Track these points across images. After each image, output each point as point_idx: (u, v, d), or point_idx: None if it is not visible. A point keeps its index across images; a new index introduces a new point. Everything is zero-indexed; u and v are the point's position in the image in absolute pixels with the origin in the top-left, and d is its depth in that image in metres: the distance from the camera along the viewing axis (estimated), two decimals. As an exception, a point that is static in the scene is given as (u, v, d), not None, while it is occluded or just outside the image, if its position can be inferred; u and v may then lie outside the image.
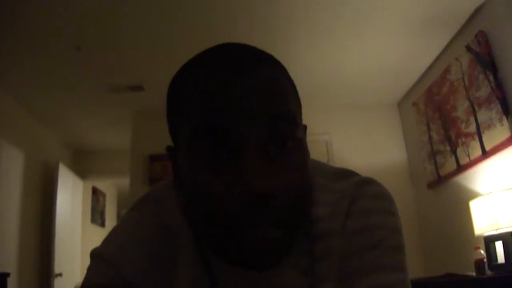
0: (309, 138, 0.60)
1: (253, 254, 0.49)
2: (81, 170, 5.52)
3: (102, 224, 6.43)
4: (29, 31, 3.08)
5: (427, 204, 4.08)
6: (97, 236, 5.94)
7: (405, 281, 0.55)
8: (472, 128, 3.15)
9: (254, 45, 0.57)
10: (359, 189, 0.60)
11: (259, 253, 0.48)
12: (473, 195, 3.10)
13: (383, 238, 0.56)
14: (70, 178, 5.10)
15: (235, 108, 0.49)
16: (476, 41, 3.05)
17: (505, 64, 2.82)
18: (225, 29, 3.21)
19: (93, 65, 3.62)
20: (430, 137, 3.88)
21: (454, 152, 3.44)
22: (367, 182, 0.61)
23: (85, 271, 0.60)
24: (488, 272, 2.62)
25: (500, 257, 2.67)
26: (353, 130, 4.50)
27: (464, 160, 3.29)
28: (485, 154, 2.99)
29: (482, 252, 2.69)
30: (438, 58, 3.73)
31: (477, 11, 3.06)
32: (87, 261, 0.60)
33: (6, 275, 3.23)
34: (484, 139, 3.01)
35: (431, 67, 3.87)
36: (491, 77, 2.91)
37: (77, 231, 5.28)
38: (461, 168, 3.34)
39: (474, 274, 2.66)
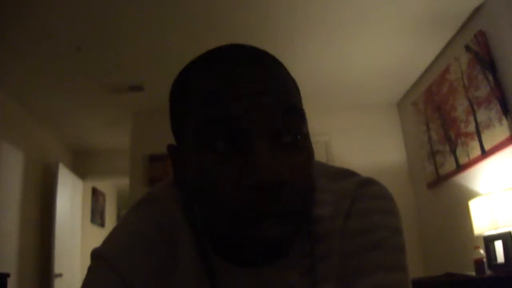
0: (308, 138, 0.60)
1: (262, 243, 0.48)
2: (81, 171, 5.52)
3: (102, 225, 6.43)
4: (29, 31, 3.08)
5: (426, 204, 4.08)
6: (97, 236, 5.94)
7: (406, 281, 0.55)
8: (472, 128, 3.15)
9: (254, 45, 0.57)
10: (359, 189, 0.60)
11: (268, 242, 0.48)
12: (473, 194, 3.11)
13: (384, 238, 0.56)
14: (70, 179, 5.09)
15: (247, 98, 0.49)
16: (475, 41, 3.05)
17: (504, 63, 2.82)
18: (225, 30, 3.21)
19: (93, 65, 3.62)
20: (429, 137, 3.88)
21: (453, 151, 3.44)
22: (368, 182, 0.62)
23: (85, 272, 0.60)
24: (488, 272, 2.62)
25: (500, 256, 2.67)
26: (352, 130, 4.50)
27: (463, 160, 3.29)
28: (485, 153, 3.00)
29: (482, 251, 2.69)
30: (437, 58, 3.73)
31: (476, 11, 3.07)
32: (87, 261, 0.60)
33: (6, 275, 3.23)
34: (483, 138, 3.01)
35: (430, 67, 3.87)
36: (490, 77, 2.91)
37: (77, 231, 5.28)
38: (460, 168, 3.34)
39: (473, 273, 2.66)
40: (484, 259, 2.65)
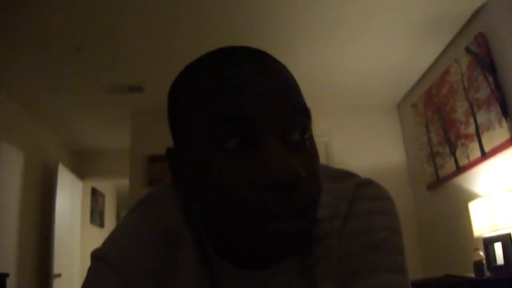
0: (309, 139, 0.60)
1: (278, 241, 0.48)
2: (80, 171, 5.52)
3: (101, 225, 6.43)
4: (29, 31, 3.08)
5: (426, 205, 4.08)
6: (96, 237, 5.94)
7: (406, 283, 0.55)
8: (471, 129, 3.15)
9: (254, 46, 0.57)
10: (358, 190, 0.60)
11: (284, 239, 0.48)
12: (472, 196, 3.11)
13: (383, 239, 0.56)
14: (70, 179, 5.09)
15: (259, 97, 0.49)
16: (476, 43, 3.06)
17: (504, 65, 2.83)
18: (225, 30, 3.21)
19: (93, 65, 3.63)
20: (429, 139, 3.88)
21: (453, 153, 3.44)
22: (367, 183, 0.62)
23: (84, 272, 0.60)
24: (487, 274, 2.62)
25: (499, 258, 2.67)
26: (352, 132, 4.50)
27: (463, 162, 3.29)
28: (484, 155, 3.00)
29: (481, 253, 2.69)
30: (437, 60, 3.73)
31: (477, 13, 3.07)
32: (87, 262, 0.60)
33: (5, 275, 3.22)
34: (483, 140, 3.01)
35: (430, 68, 3.88)
36: (490, 79, 2.91)
37: (76, 231, 5.28)
38: (460, 169, 3.34)
39: (473, 275, 2.66)
40: (484, 261, 2.64)
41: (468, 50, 3.16)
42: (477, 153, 3.08)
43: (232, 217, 0.49)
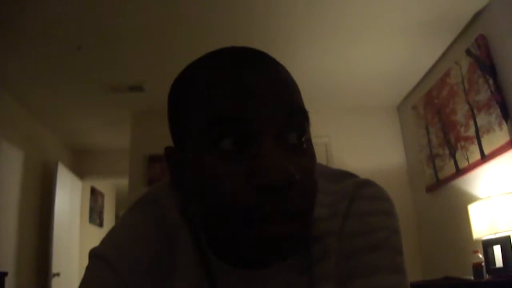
0: (308, 140, 0.60)
1: (272, 244, 0.48)
2: (80, 170, 5.52)
3: (101, 224, 6.43)
4: (30, 31, 3.08)
5: (425, 207, 4.08)
6: (95, 236, 5.94)
7: (405, 283, 0.55)
8: (471, 132, 3.15)
9: (254, 47, 0.57)
10: (357, 190, 0.60)
11: (278, 243, 0.48)
12: (472, 199, 3.11)
13: (382, 239, 0.56)
14: (69, 178, 5.09)
15: (255, 97, 0.49)
16: (476, 45, 3.06)
17: (505, 68, 2.83)
18: (225, 30, 3.21)
19: (93, 65, 3.63)
20: (429, 141, 3.88)
21: (453, 155, 3.44)
22: (366, 184, 0.61)
23: (82, 271, 0.60)
24: (486, 276, 2.62)
25: (498, 261, 2.67)
26: (352, 133, 4.50)
27: (463, 164, 3.29)
28: (484, 158, 3.00)
29: (480, 256, 2.68)
30: (438, 62, 3.73)
31: (477, 15, 3.07)
32: (85, 261, 0.60)
33: (4, 274, 3.22)
34: (483, 143, 3.01)
35: (430, 70, 3.88)
36: (490, 81, 2.91)
37: (75, 231, 5.28)
38: (460, 172, 3.34)
39: (472, 278, 2.66)
40: (483, 264, 2.64)
41: (468, 52, 3.17)
42: (477, 156, 3.08)
43: (226, 218, 0.49)
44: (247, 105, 0.49)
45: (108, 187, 6.85)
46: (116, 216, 7.36)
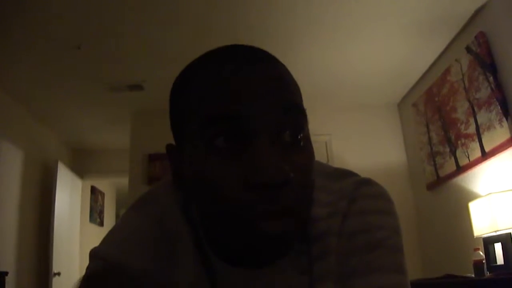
0: (309, 138, 0.60)
1: (264, 243, 0.48)
2: (80, 169, 5.52)
3: (101, 224, 6.43)
4: (29, 30, 3.08)
5: (426, 205, 4.08)
6: (96, 235, 5.94)
7: (405, 282, 0.55)
8: (472, 129, 3.15)
9: (255, 45, 0.57)
10: (358, 189, 0.60)
11: (268, 241, 0.48)
12: (473, 196, 3.10)
13: (383, 238, 0.56)
14: (69, 177, 5.09)
15: (250, 96, 0.49)
16: (476, 42, 3.05)
17: (505, 65, 2.82)
18: (225, 29, 3.20)
19: (92, 64, 3.62)
20: (429, 138, 3.88)
21: (453, 153, 3.44)
22: (366, 183, 0.61)
23: (83, 270, 0.59)
24: (487, 274, 2.61)
25: (499, 258, 2.67)
26: (352, 131, 4.50)
27: (463, 161, 3.29)
28: (485, 155, 2.99)
29: (481, 253, 2.68)
30: (438, 59, 3.73)
31: (477, 12, 3.07)
32: (86, 261, 0.60)
33: (4, 274, 3.23)
34: (483, 140, 3.01)
35: (431, 68, 3.87)
36: (491, 79, 2.91)
37: (75, 230, 5.28)
38: (460, 169, 3.34)
39: (473, 275, 2.66)
40: (484, 261, 2.64)
41: (468, 49, 3.16)
42: (478, 153, 3.08)
43: (220, 216, 0.49)
44: (241, 103, 0.49)
45: (108, 186, 6.85)
46: (117, 215, 7.37)
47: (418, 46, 3.53)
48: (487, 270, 2.64)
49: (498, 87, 2.85)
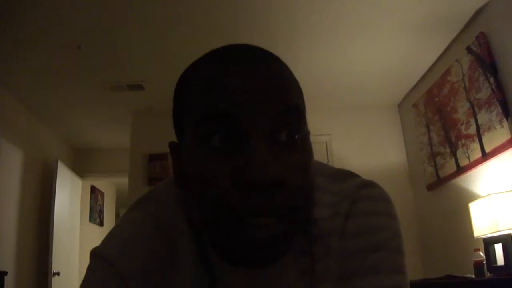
0: (309, 138, 0.60)
1: (254, 244, 0.48)
2: (80, 169, 5.52)
3: (101, 223, 6.43)
4: (30, 30, 3.07)
5: (426, 206, 4.08)
6: (96, 235, 5.94)
7: (405, 284, 0.55)
8: (472, 130, 3.15)
9: (255, 45, 0.57)
10: (359, 191, 0.60)
11: (258, 244, 0.48)
12: (473, 197, 3.10)
13: (384, 240, 0.56)
14: (69, 177, 5.09)
15: (246, 95, 0.49)
16: (477, 43, 3.05)
17: (505, 66, 2.82)
18: (225, 29, 3.20)
19: (93, 64, 3.62)
20: (430, 139, 3.88)
21: (454, 154, 3.44)
22: (368, 185, 0.61)
23: (83, 270, 0.59)
24: (488, 274, 2.61)
25: (500, 259, 2.67)
26: (353, 131, 4.50)
27: (464, 162, 3.28)
28: (485, 156, 2.99)
29: (482, 254, 2.68)
30: (438, 60, 3.73)
31: (478, 13, 3.06)
32: (85, 260, 0.60)
33: (4, 273, 3.23)
34: (484, 141, 3.00)
35: (431, 68, 3.87)
36: (491, 79, 2.91)
37: (75, 230, 5.28)
38: (461, 170, 3.34)
39: (473, 276, 2.66)
40: (484, 262, 2.64)
41: (469, 50, 3.16)
42: (478, 154, 3.08)
43: (213, 215, 0.49)
44: (236, 102, 0.48)
45: (108, 185, 6.85)
46: (116, 215, 7.37)
47: (419, 46, 3.53)
48: (488, 271, 2.64)
49: (499, 87, 2.84)
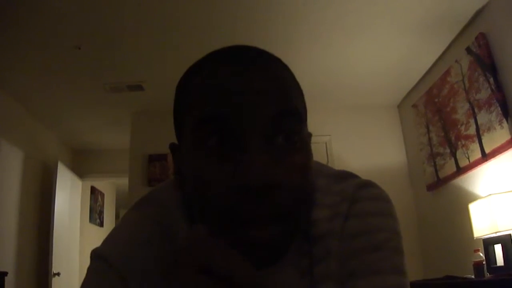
0: (309, 139, 0.60)
1: (249, 248, 0.48)
2: (80, 170, 5.52)
3: (101, 224, 6.42)
4: (30, 30, 3.08)
5: (426, 206, 4.08)
6: (96, 235, 5.94)
7: (405, 284, 0.55)
8: (472, 130, 3.15)
9: (254, 45, 0.57)
10: (359, 191, 0.60)
11: (255, 247, 0.48)
12: (473, 197, 3.10)
13: (383, 240, 0.56)
14: (69, 178, 5.09)
15: (243, 97, 0.49)
16: (477, 44, 3.05)
17: (505, 66, 2.82)
18: (225, 29, 3.20)
19: (93, 64, 3.62)
20: (429, 139, 3.88)
21: (453, 154, 3.44)
22: (367, 185, 0.61)
23: (83, 271, 0.60)
24: (487, 275, 2.61)
25: (499, 259, 2.66)
26: (353, 132, 4.50)
27: (463, 163, 3.28)
28: (485, 156, 2.99)
29: (481, 254, 2.68)
30: (438, 60, 3.73)
31: (478, 13, 3.07)
32: (85, 261, 0.60)
33: (4, 274, 3.22)
34: (484, 141, 3.00)
35: (431, 69, 3.87)
36: (491, 80, 2.91)
37: (75, 230, 5.28)
38: (460, 170, 3.34)
39: (473, 276, 2.66)
40: (484, 262, 2.64)
41: (469, 50, 3.16)
42: (478, 154, 3.08)
43: (211, 217, 0.49)
44: (232, 105, 0.48)
45: (108, 186, 6.85)
46: (116, 216, 7.37)
47: (418, 47, 3.53)
48: (487, 272, 2.64)
49: (498, 88, 2.85)
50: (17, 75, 3.73)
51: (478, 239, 2.83)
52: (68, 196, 5.01)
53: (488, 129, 2.95)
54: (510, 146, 2.74)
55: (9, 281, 3.54)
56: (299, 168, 0.51)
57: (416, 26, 3.24)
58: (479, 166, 3.09)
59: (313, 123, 0.60)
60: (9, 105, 4.08)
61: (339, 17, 3.11)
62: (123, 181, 4.93)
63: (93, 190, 6.19)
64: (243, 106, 0.48)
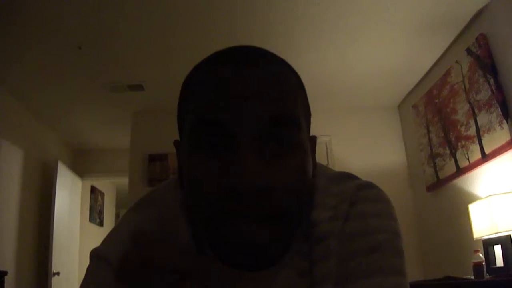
0: (309, 139, 0.60)
1: (241, 249, 0.48)
2: (80, 169, 5.52)
3: (101, 224, 6.43)
4: (30, 30, 3.08)
5: (426, 207, 4.08)
6: (95, 235, 5.94)
7: (405, 285, 0.55)
8: (472, 131, 3.15)
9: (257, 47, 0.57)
10: (358, 192, 0.60)
11: (247, 249, 0.48)
12: (472, 198, 3.10)
13: (383, 241, 0.56)
14: (69, 177, 5.09)
15: (235, 102, 0.49)
16: (477, 44, 3.05)
17: (505, 67, 2.82)
18: (225, 29, 3.20)
19: (93, 64, 3.62)
20: (429, 140, 3.88)
21: (453, 155, 3.44)
22: (367, 186, 0.61)
23: (83, 271, 0.59)
24: (487, 276, 2.61)
25: (499, 260, 2.66)
26: (353, 132, 4.50)
27: (463, 163, 3.28)
28: (485, 157, 2.99)
29: (481, 255, 2.68)
30: (438, 61, 3.73)
31: (478, 14, 3.07)
32: (85, 260, 0.60)
33: (4, 273, 3.23)
34: (484, 142, 3.01)
35: (431, 69, 3.87)
36: (491, 80, 2.91)
37: (75, 230, 5.27)
38: (460, 171, 3.34)
39: (473, 277, 2.66)
40: (483, 263, 2.64)
41: (469, 51, 3.16)
42: (478, 155, 3.08)
43: (203, 219, 0.50)
44: (226, 108, 0.49)
45: (108, 186, 6.85)
46: (116, 215, 7.36)
47: (419, 47, 3.53)
48: (487, 272, 2.64)
49: (499, 89, 2.85)
50: (17, 75, 3.73)
51: (478, 240, 2.83)
52: (68, 196, 5.01)
53: (488, 130, 2.95)
54: (510, 147, 2.74)
55: (9, 280, 3.54)
56: (293, 171, 0.50)
57: (417, 27, 3.24)
58: (479, 167, 3.09)
59: (313, 124, 0.60)
60: (10, 105, 4.07)
61: (339, 18, 3.11)
62: (123, 181, 4.93)
63: (93, 189, 6.19)
64: (238, 110, 0.48)
